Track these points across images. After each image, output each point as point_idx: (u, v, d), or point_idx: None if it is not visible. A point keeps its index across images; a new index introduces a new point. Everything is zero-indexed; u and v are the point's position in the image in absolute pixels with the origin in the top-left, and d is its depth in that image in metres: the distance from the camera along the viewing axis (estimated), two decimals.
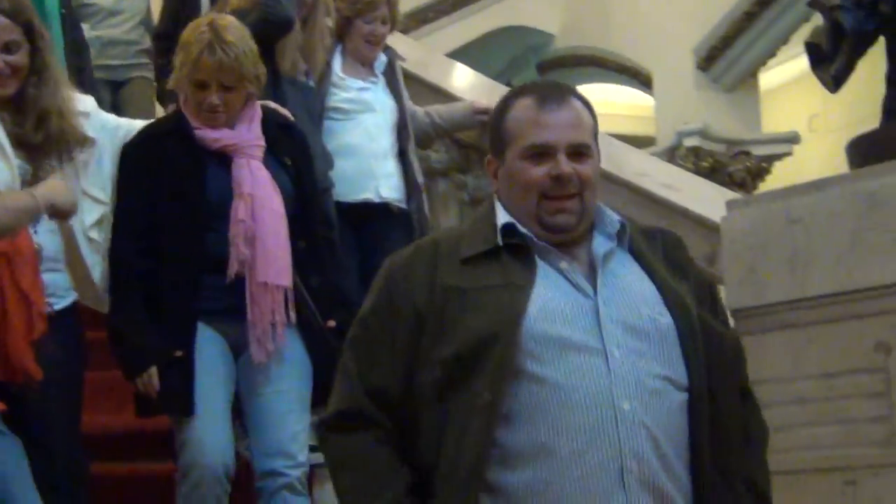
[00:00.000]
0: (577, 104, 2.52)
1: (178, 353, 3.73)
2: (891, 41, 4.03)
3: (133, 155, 3.93)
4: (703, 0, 10.73)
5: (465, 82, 6.39)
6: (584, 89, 12.32)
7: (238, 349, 3.85)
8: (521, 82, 11.13)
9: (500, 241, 2.46)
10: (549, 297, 2.45)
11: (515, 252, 2.49)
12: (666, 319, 2.49)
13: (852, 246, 3.58)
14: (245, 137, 3.90)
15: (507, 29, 11.76)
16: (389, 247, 4.88)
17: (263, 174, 3.88)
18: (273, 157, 3.97)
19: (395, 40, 5.82)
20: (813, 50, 4.21)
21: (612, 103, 13.00)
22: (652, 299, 2.51)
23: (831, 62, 4.09)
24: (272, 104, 4.29)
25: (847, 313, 3.63)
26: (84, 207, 3.86)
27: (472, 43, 11.52)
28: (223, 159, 3.88)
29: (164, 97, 5.83)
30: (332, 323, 3.89)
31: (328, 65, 5.31)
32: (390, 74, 5.40)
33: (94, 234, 3.96)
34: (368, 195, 5.15)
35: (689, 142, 10.08)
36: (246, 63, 3.84)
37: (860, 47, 4.06)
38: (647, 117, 11.96)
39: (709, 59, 10.57)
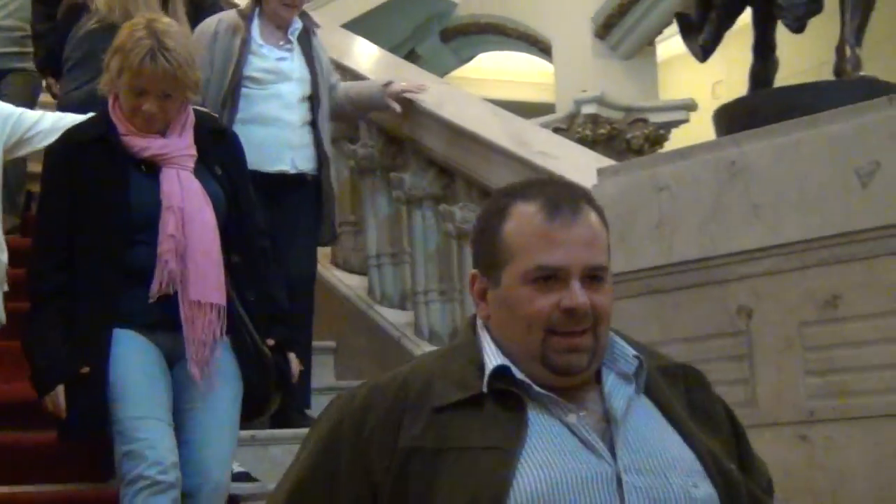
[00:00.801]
0: (592, 214, 2.01)
1: (85, 370, 3.51)
2: (757, 12, 4.09)
3: (54, 162, 3.70)
4: None
5: (368, 59, 6.35)
6: (486, 57, 12.50)
7: (171, 360, 3.64)
8: (425, 51, 11.09)
9: (484, 387, 1.93)
10: (551, 464, 1.91)
11: (503, 399, 1.94)
12: (702, 491, 1.96)
13: (714, 213, 3.61)
14: (176, 146, 3.65)
15: None
16: (303, 222, 5.06)
17: (194, 185, 3.62)
18: (204, 166, 3.72)
19: None
20: (683, 20, 4.26)
21: (512, 71, 13.09)
22: (682, 464, 1.97)
23: (700, 32, 4.15)
24: (204, 109, 4.13)
25: (710, 279, 3.67)
26: None
27: (373, 11, 11.46)
28: (151, 168, 3.63)
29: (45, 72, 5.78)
30: (270, 342, 3.70)
31: (246, 30, 5.11)
32: (305, 42, 5.22)
33: None
34: (284, 167, 5.01)
35: (587, 109, 10.10)
36: (188, 71, 3.61)
37: (728, 18, 4.12)
38: (547, 84, 12.02)
39: (606, 27, 10.66)
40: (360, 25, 10.74)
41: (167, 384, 3.60)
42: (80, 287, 3.56)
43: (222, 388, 3.64)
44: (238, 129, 4.77)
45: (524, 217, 1.96)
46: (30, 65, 6.41)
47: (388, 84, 5.32)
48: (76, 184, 3.59)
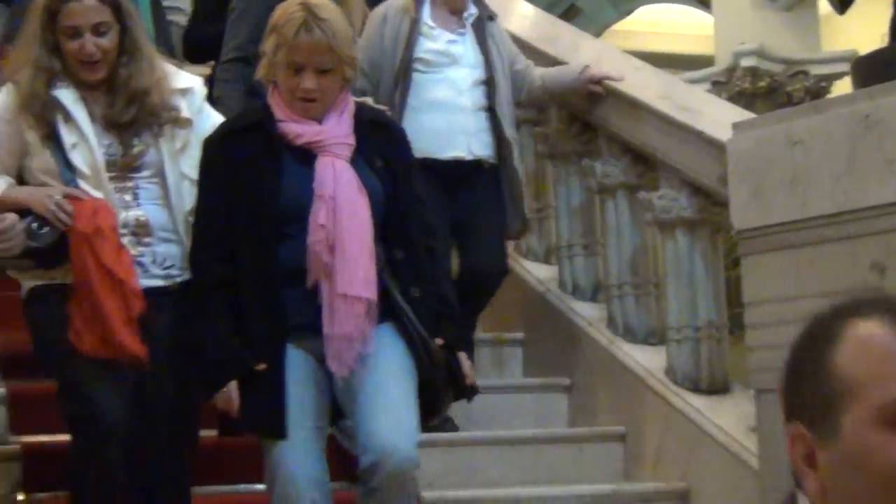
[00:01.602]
0: None
1: (262, 367, 3.39)
2: None
3: (212, 152, 3.58)
4: None
5: (523, 19, 6.15)
6: (645, 10, 12.36)
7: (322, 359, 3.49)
8: (585, 4, 11.04)
9: None
10: None
11: None
12: None
13: (849, 167, 3.51)
14: (332, 133, 3.50)
15: None
16: (485, 210, 4.86)
17: (349, 175, 3.46)
18: (363, 157, 3.55)
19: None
20: None
21: (672, 23, 12.89)
22: None
23: None
24: (367, 99, 4.04)
25: (844, 234, 3.58)
26: (184, 191, 3.60)
27: None
28: (306, 157, 3.49)
29: None
30: (439, 341, 3.51)
31: (416, 11, 4.97)
32: (480, 28, 5.02)
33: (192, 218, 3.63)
34: (459, 153, 4.84)
35: (747, 62, 9.85)
36: (343, 43, 3.46)
37: None
38: (706, 37, 11.81)
39: None
40: None
41: (321, 397, 3.47)
42: (244, 282, 3.46)
43: (392, 364, 3.46)
44: (410, 115, 4.78)
45: (868, 339, 1.43)
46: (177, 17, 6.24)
47: (584, 69, 5.06)
48: (232, 173, 3.49)
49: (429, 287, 3.57)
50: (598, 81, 5.00)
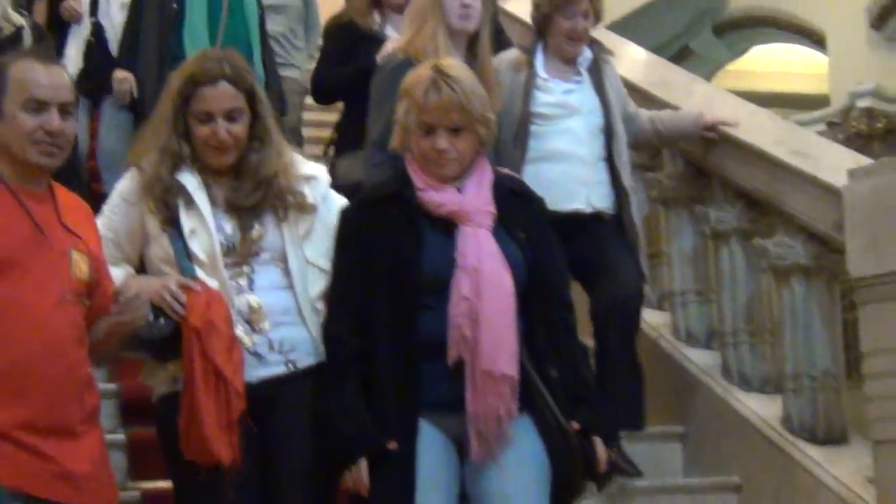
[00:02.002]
0: None
1: (393, 445, 3.25)
2: None
3: (350, 222, 3.49)
4: None
5: (634, 63, 6.12)
6: (758, 49, 12.28)
7: (462, 444, 3.34)
8: (698, 45, 11.00)
9: None
10: None
11: None
12: None
13: None
14: (474, 202, 3.39)
15: None
16: (612, 254, 4.69)
17: (492, 246, 3.34)
18: (504, 228, 3.42)
19: (608, 39, 5.44)
20: None
21: (786, 62, 12.79)
22: None
23: None
24: (505, 170, 3.89)
25: None
26: (309, 278, 3.50)
27: (643, 8, 11.35)
28: (447, 227, 3.37)
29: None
30: (575, 425, 3.35)
31: (530, 65, 4.88)
32: (595, 72, 4.91)
33: (320, 306, 3.50)
34: (578, 205, 4.69)
35: (863, 102, 9.73)
36: (474, 101, 3.37)
37: None
38: (821, 75, 11.72)
39: (881, 18, 10.24)
40: (630, 24, 10.73)
41: (452, 481, 3.34)
42: (379, 355, 3.33)
43: (525, 470, 3.32)
44: (529, 167, 4.66)
45: None
46: (291, 73, 6.41)
47: (700, 115, 4.97)
48: (370, 243, 3.38)
49: (567, 368, 3.42)
50: (713, 127, 4.92)
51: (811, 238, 4.51)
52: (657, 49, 9.64)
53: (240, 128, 3.47)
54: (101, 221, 3.50)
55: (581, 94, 4.84)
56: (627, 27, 10.05)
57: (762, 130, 4.93)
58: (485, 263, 3.30)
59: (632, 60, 6.17)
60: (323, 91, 5.66)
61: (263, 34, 5.65)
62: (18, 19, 4.64)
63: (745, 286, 4.88)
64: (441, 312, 3.29)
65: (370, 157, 4.42)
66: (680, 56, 11.81)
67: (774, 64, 13.20)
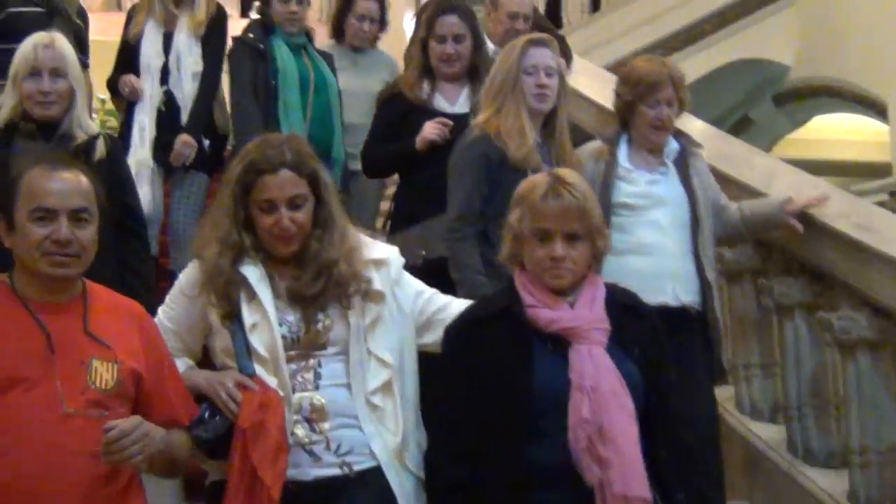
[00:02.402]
0: None
1: None
2: None
3: (455, 341, 3.33)
4: None
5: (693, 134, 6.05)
6: (821, 119, 12.25)
7: None
8: (758, 115, 10.99)
9: None
10: None
11: None
12: None
13: None
14: (587, 318, 3.22)
15: (741, 62, 11.59)
16: (693, 358, 4.53)
17: (608, 363, 3.16)
18: (618, 344, 3.25)
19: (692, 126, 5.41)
20: None
21: (847, 130, 12.74)
22: None
23: None
24: (620, 285, 3.74)
25: None
26: (370, 370, 3.38)
27: (704, 78, 11.31)
28: (559, 345, 3.20)
29: None
30: None
31: (612, 154, 4.79)
32: (681, 163, 4.81)
33: (376, 400, 3.38)
34: (665, 298, 4.56)
35: None
36: (594, 209, 3.26)
37: None
38: (883, 143, 11.68)
39: None
40: (691, 92, 10.54)
41: None
42: (485, 485, 3.16)
43: None
44: (614, 260, 4.33)
45: None
46: None
47: (787, 201, 4.83)
48: (477, 363, 3.21)
49: (692, 491, 3.29)
50: (799, 212, 4.80)
51: (876, 312, 4.50)
52: (717, 120, 10.01)
53: (303, 215, 3.38)
54: (162, 311, 3.50)
55: (666, 186, 4.75)
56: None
57: (826, 204, 4.90)
58: (603, 382, 3.12)
59: (691, 133, 6.12)
60: (371, 168, 5.70)
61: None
62: (94, 129, 4.70)
63: (809, 360, 4.87)
64: (556, 438, 3.09)
65: (452, 232, 4.46)
66: (740, 126, 11.91)
67: (835, 132, 13.19)
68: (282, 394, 3.28)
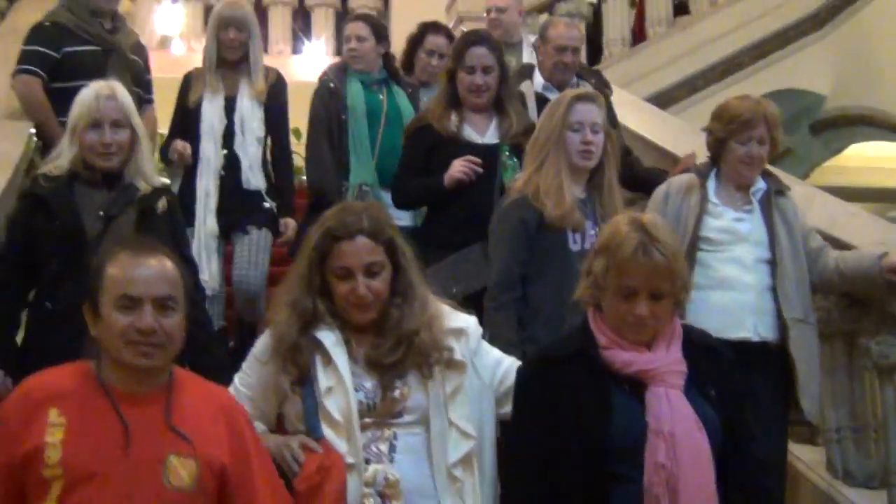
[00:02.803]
0: None
1: None
2: None
3: (529, 383, 3.23)
4: None
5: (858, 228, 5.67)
6: (856, 147, 12.22)
7: None
8: (795, 144, 10.85)
9: None
10: None
11: None
12: None
13: None
14: (664, 361, 3.12)
15: (779, 92, 11.34)
16: (766, 396, 4.48)
17: (685, 407, 3.07)
18: (695, 386, 3.15)
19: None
20: None
21: (884, 157, 12.73)
22: None
23: None
24: (691, 325, 3.64)
25: None
26: (450, 441, 3.28)
27: None
28: (635, 387, 3.11)
29: None
30: None
31: (703, 188, 4.76)
32: (767, 204, 4.75)
33: (458, 473, 3.28)
34: (746, 333, 4.55)
35: None
36: (681, 266, 3.15)
37: None
38: None
39: None
40: None
41: None
42: None
43: None
44: (695, 294, 4.22)
45: None
46: None
47: (883, 255, 4.65)
48: (551, 406, 3.11)
49: None
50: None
51: None
52: None
53: (380, 283, 3.32)
54: (238, 378, 3.50)
55: (750, 224, 4.72)
56: None
57: (863, 232, 4.99)
58: (679, 426, 3.04)
59: (636, 112, 6.61)
60: (401, 200, 5.69)
61: None
62: (157, 180, 4.63)
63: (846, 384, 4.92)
64: (633, 483, 3.01)
65: (491, 300, 4.40)
66: (778, 155, 11.80)
67: (870, 159, 13.16)
68: (352, 461, 3.21)
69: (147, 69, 6.74)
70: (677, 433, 3.03)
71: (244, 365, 3.52)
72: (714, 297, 4.54)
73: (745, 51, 11.35)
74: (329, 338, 3.32)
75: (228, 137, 6.02)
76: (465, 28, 9.12)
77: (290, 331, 3.33)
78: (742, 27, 11.37)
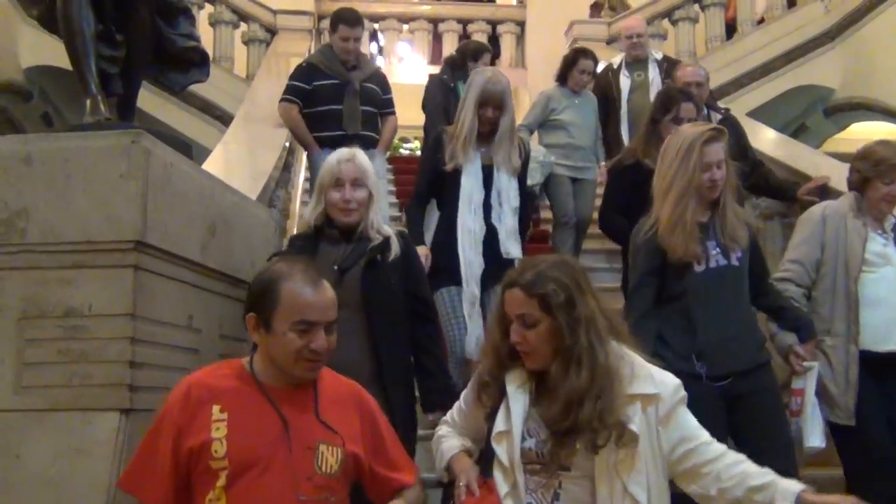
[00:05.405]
0: None
1: None
2: None
3: None
4: None
5: (768, 140, 6.82)
6: (856, 127, 13.78)
7: None
8: (811, 123, 14.01)
9: None
10: None
11: None
12: None
13: None
14: None
15: (801, 87, 12.80)
16: None
17: None
18: None
19: None
20: None
21: (878, 132, 12.61)
22: None
23: None
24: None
25: None
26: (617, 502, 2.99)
27: (774, 99, 12.69)
28: None
29: None
30: None
31: (860, 211, 4.88)
32: (894, 232, 4.85)
33: None
34: (894, 346, 4.72)
35: None
36: None
37: None
38: None
39: None
40: (765, 110, 12.27)
41: None
42: None
43: None
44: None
45: None
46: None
47: None
48: None
49: None
50: None
51: None
52: (783, 128, 11.55)
53: (534, 335, 3.08)
54: (456, 404, 3.47)
55: (891, 249, 4.86)
56: (762, 113, 11.62)
57: None
58: None
59: (766, 140, 7.24)
60: (608, 233, 5.90)
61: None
62: (387, 230, 4.44)
63: None
64: None
65: (628, 322, 3.96)
66: (798, 131, 13.13)
67: (869, 133, 12.28)
68: None
69: (385, 91, 7.27)
70: None
71: (462, 394, 3.47)
72: (868, 315, 4.73)
73: (776, 58, 12.67)
74: (511, 381, 3.15)
75: (486, 209, 5.50)
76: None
77: (483, 369, 3.23)
78: (774, 42, 12.68)
